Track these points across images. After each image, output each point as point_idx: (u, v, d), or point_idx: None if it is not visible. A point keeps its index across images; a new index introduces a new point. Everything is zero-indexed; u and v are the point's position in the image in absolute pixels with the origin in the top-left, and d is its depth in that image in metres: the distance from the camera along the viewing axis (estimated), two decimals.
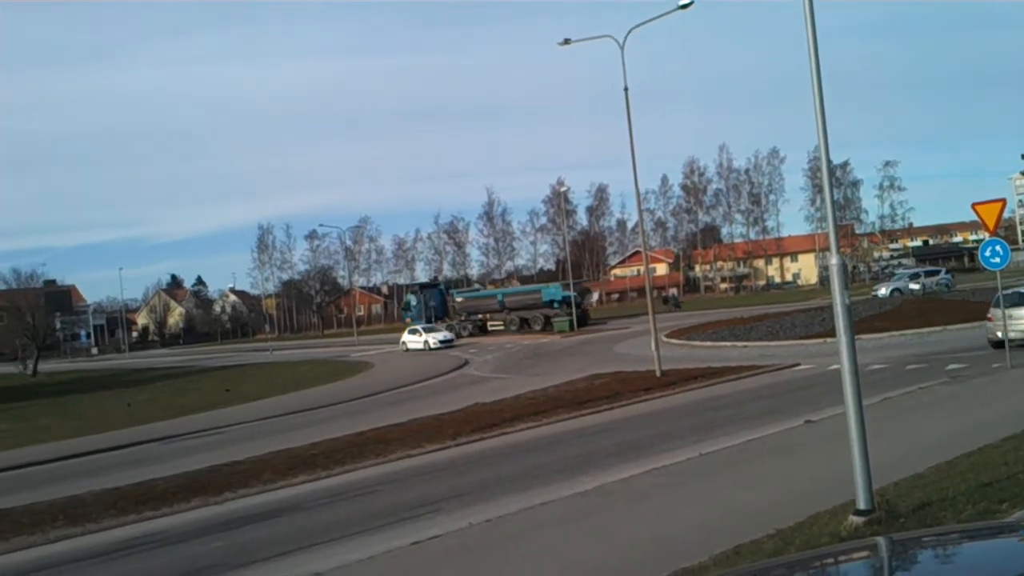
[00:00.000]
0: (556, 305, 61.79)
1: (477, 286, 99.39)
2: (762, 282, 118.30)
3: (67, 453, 24.86)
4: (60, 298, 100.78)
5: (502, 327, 63.45)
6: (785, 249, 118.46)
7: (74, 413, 36.57)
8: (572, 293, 62.19)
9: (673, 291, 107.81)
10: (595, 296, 73.92)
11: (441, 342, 55.73)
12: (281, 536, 12.72)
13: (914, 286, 54.65)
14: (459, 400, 26.21)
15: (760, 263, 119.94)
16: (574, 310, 60.43)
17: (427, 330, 58.39)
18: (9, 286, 78.28)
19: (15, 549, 13.47)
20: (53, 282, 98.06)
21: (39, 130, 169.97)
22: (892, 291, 54.81)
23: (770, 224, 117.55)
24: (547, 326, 60.28)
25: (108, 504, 15.70)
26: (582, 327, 60.05)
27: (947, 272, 61.63)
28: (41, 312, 74.05)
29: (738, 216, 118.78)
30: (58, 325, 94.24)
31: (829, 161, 9.12)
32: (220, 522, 14.02)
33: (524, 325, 62.74)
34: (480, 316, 66.03)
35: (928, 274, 59.28)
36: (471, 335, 63.91)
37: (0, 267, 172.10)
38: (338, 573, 10.22)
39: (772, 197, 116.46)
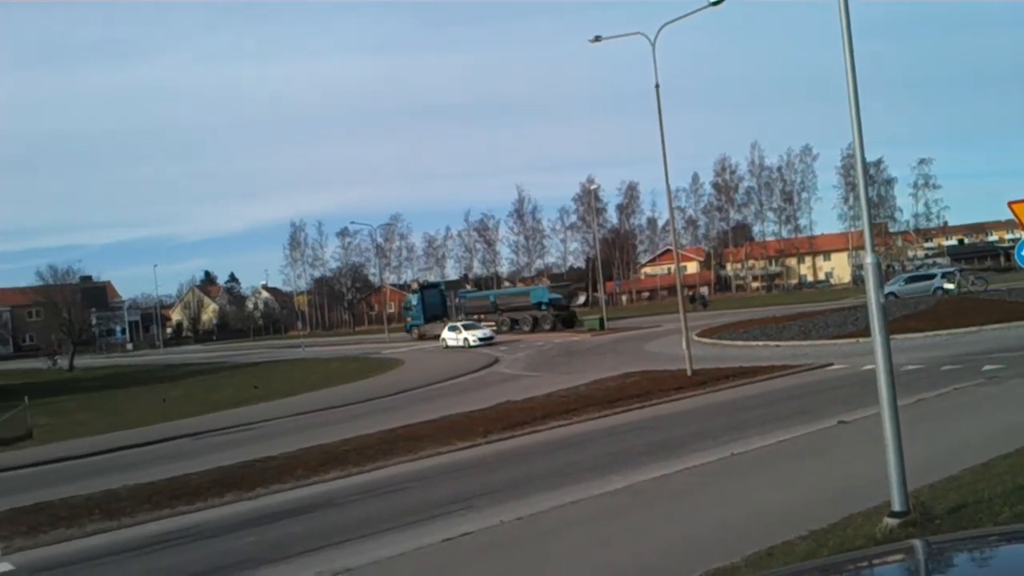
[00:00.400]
0: (543, 307, 64.04)
1: (468, 287, 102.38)
2: (794, 281, 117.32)
3: (102, 448, 25.21)
4: (96, 294, 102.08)
5: (494, 327, 64.55)
6: (818, 248, 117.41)
7: (109, 408, 37.06)
8: (559, 296, 65.56)
9: (703, 289, 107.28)
10: (582, 299, 76.55)
11: (480, 339, 55.32)
12: (313, 532, 12.82)
13: (948, 285, 53.94)
14: (489, 398, 26.25)
15: (792, 262, 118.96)
16: (540, 310, 63.66)
17: (467, 327, 58.09)
18: (46, 282, 79.49)
19: (53, 542, 13.68)
20: (89, 278, 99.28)
21: (74, 129, 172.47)
22: (888, 294, 53.88)
23: (802, 222, 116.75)
24: (535, 326, 62.72)
25: (143, 498, 15.91)
26: (568, 328, 61.58)
27: (943, 276, 59.65)
28: (77, 308, 75.14)
29: (770, 214, 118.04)
30: (94, 321, 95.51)
31: (864, 159, 9.04)
32: (253, 517, 14.15)
33: (514, 325, 64.87)
34: (476, 316, 67.28)
35: (914, 279, 58.01)
36: None
37: (37, 264, 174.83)
38: (370, 569, 10.29)
39: (804, 195, 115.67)
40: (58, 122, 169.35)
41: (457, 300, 73.49)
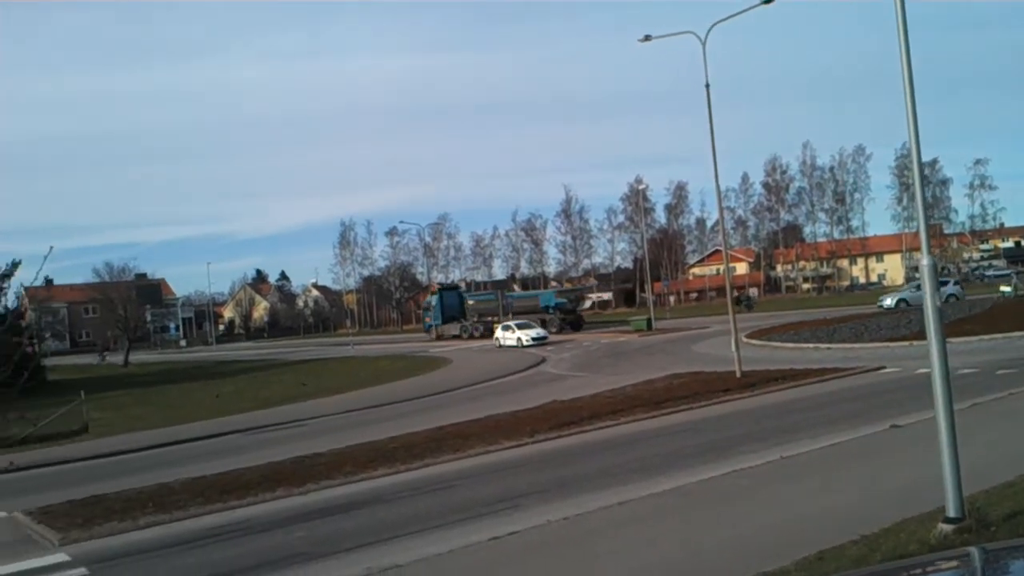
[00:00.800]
0: (551, 310, 67.01)
1: (515, 287, 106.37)
2: (846, 283, 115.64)
3: (156, 442, 25.68)
4: (151, 291, 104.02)
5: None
6: (870, 249, 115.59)
7: (163, 403, 37.74)
8: (564, 300, 68.90)
9: (752, 291, 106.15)
10: (588, 303, 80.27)
11: (534, 339, 55.00)
12: (362, 528, 12.95)
13: (1005, 288, 52.75)
14: (536, 397, 26.27)
15: (844, 263, 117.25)
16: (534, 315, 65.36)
17: (520, 327, 57.78)
18: (102, 280, 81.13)
19: (108, 534, 13.96)
20: (144, 276, 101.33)
21: (130, 128, 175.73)
22: (898, 301, 53.03)
23: (855, 223, 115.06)
24: (544, 327, 63.40)
25: (195, 492, 16.19)
26: (576, 331, 65.25)
27: (956, 283, 57.84)
28: (132, 305, 76.59)
29: (821, 215, 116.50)
30: (148, 318, 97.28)
31: (920, 159, 8.90)
32: (303, 512, 14.33)
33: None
34: (489, 318, 70.08)
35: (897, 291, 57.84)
36: (482, 336, 67.38)
37: (94, 261, 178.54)
38: (417, 566, 10.36)
39: (857, 195, 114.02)
40: (115, 122, 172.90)
41: (471, 301, 75.29)
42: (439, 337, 71.45)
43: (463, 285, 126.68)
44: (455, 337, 69.97)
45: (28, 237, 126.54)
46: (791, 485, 12.50)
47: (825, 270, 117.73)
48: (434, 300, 76.32)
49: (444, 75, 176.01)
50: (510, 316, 67.71)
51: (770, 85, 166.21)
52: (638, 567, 9.43)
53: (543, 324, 64.06)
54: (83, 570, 11.97)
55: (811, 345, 36.54)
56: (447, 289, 79.51)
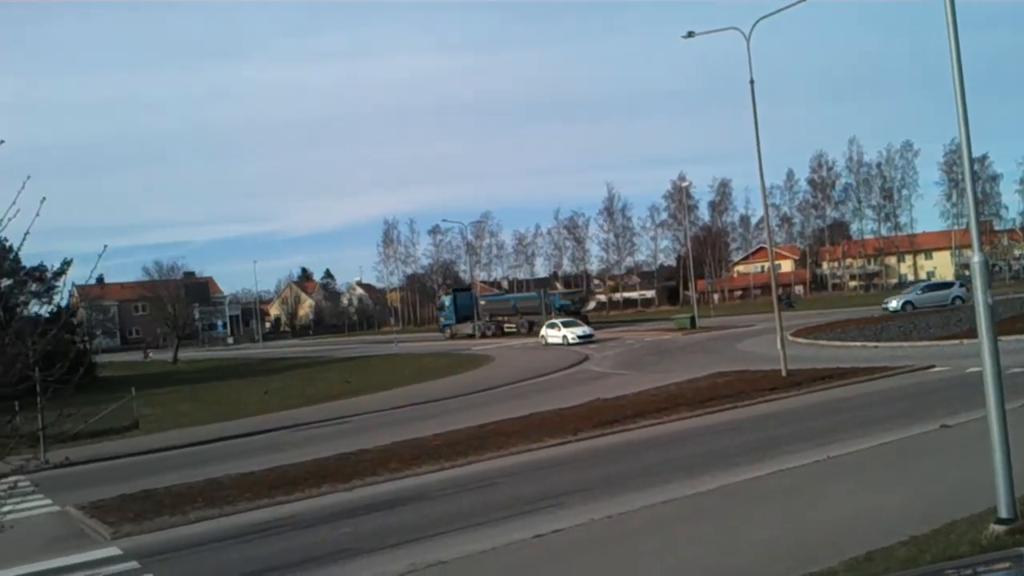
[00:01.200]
0: (557, 311, 68.62)
1: (557, 285, 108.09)
2: (893, 280, 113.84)
3: (205, 438, 26.07)
4: (199, 289, 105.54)
5: (515, 329, 71.06)
6: (919, 246, 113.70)
7: (211, 400, 38.29)
8: (568, 302, 71.22)
9: (798, 288, 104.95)
10: (592, 304, 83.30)
11: (580, 337, 54.43)
12: (406, 524, 13.04)
13: None
14: (579, 395, 26.23)
15: (892, 260, 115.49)
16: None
17: (566, 324, 57.39)
18: (152, 278, 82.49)
19: (158, 528, 14.22)
20: (192, 274, 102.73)
21: (178, 128, 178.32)
22: (904, 304, 52.12)
23: (903, 220, 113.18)
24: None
25: (243, 488, 16.42)
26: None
27: (962, 285, 55.13)
28: (181, 303, 77.81)
29: (868, 211, 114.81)
30: (197, 315, 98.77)
31: (971, 154, 8.76)
32: (348, 508, 14.47)
33: (532, 327, 68.12)
34: (500, 318, 74.02)
35: (931, 288, 56.07)
36: (494, 335, 70.93)
37: (144, 259, 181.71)
38: (461, 563, 10.42)
39: (905, 192, 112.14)
40: (162, 121, 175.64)
41: (483, 302, 79.06)
42: (453, 336, 74.34)
43: (505, 283, 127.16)
44: (468, 336, 72.38)
45: (80, 236, 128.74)
46: (838, 485, 12.36)
47: (872, 268, 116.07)
48: (448, 301, 79.72)
49: (487, 74, 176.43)
50: (519, 316, 71.38)
51: (816, 80, 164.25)
52: (681, 566, 9.39)
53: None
54: (134, 563, 12.20)
55: (858, 343, 36.07)
56: (460, 291, 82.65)
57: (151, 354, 79.75)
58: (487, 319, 74.94)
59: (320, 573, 10.80)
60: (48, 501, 16.80)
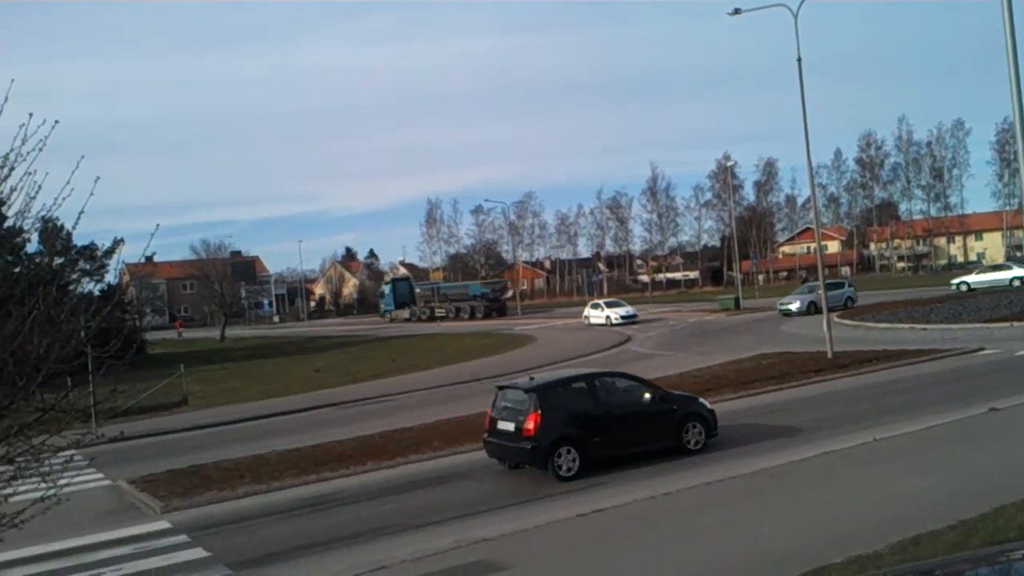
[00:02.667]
0: (478, 298, 76.67)
1: (600, 265, 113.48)
2: (943, 262, 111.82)
3: (252, 414, 26.47)
4: (245, 268, 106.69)
5: (444, 313, 77.96)
6: (969, 227, 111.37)
7: (258, 377, 38.81)
8: (487, 290, 78.36)
9: (844, 270, 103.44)
10: (510, 292, 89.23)
11: (623, 318, 53.49)
12: (450, 501, 13.17)
13: None
14: None
15: (941, 241, 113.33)
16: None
17: (609, 305, 56.61)
18: (200, 257, 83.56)
19: (207, 503, 14.51)
20: (239, 253, 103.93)
21: (227, 109, 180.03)
22: (809, 304, 44.67)
23: (952, 200, 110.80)
24: (472, 313, 75.25)
25: (290, 463, 16.67)
26: (501, 316, 74.04)
27: (850, 285, 53.04)
28: (228, 281, 78.72)
29: (918, 191, 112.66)
30: (243, 294, 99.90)
31: (1023, 134, 8.57)
32: (392, 485, 14.64)
33: (458, 312, 76.68)
34: (432, 304, 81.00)
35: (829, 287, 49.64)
36: (428, 319, 78.09)
37: (192, 239, 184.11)
38: (505, 540, 10.50)
39: (955, 171, 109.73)
40: (212, 102, 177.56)
41: (418, 290, 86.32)
42: (392, 320, 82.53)
43: (547, 263, 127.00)
44: (406, 320, 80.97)
45: (129, 215, 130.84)
46: (885, 468, 12.24)
47: (921, 248, 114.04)
48: (388, 289, 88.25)
49: (529, 55, 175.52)
50: (448, 303, 79.23)
51: (864, 58, 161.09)
52: (726, 547, 9.37)
53: (472, 310, 75.82)
54: (184, 537, 12.47)
55: (906, 325, 35.51)
56: (399, 280, 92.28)
57: (183, 333, 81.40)
58: (422, 305, 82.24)
59: (366, 548, 10.94)
60: (100, 475, 17.17)
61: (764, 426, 16.92)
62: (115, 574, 10.89)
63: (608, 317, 54.30)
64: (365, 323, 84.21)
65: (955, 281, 54.04)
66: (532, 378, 15.69)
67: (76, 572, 11.09)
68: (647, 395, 15.07)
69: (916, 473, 11.76)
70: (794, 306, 46.36)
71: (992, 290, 46.94)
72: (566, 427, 14.04)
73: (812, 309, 43.28)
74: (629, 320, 53.47)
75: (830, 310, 42.03)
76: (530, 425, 13.87)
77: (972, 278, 52.61)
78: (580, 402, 14.66)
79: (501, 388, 15.75)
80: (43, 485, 6.03)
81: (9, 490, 5.73)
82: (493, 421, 14.89)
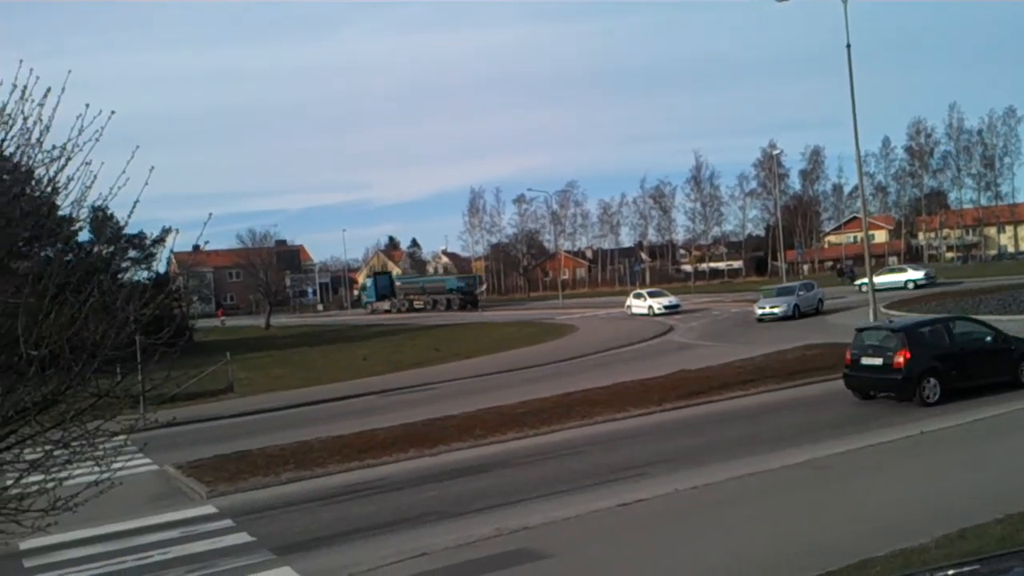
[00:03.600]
0: (454, 292, 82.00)
1: (642, 255, 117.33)
2: (993, 252, 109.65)
3: (296, 402, 26.79)
4: (290, 257, 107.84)
5: (422, 306, 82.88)
6: (1020, 216, 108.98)
7: (303, 364, 39.23)
8: (463, 284, 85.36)
9: (891, 259, 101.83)
10: (484, 287, 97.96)
11: (666, 307, 52.42)
12: (490, 490, 13.24)
13: None
14: (664, 366, 26.09)
15: (992, 231, 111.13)
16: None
17: (652, 295, 55.90)
18: (246, 246, 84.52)
19: (252, 488, 14.73)
20: (284, 242, 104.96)
21: (272, 99, 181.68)
22: (793, 308, 41.16)
23: (1004, 189, 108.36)
24: (448, 306, 79.76)
25: (333, 450, 16.86)
26: (474, 309, 78.88)
27: (857, 275, 53.48)
28: (273, 270, 79.61)
29: (968, 180, 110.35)
30: (288, 282, 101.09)
31: None
32: (434, 472, 14.74)
33: (435, 305, 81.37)
34: (411, 297, 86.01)
35: (782, 293, 44.05)
36: (408, 311, 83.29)
37: (238, 228, 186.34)
38: (546, 529, 10.54)
39: (1007, 160, 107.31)
40: (259, 93, 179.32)
41: (398, 283, 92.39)
42: (373, 311, 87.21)
43: (589, 253, 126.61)
44: (386, 312, 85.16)
45: (175, 204, 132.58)
46: (932, 461, 12.09)
47: (971, 238, 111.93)
48: (369, 283, 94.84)
49: (572, 43, 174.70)
50: (427, 296, 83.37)
51: (914, 45, 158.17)
52: (768, 539, 9.32)
53: (448, 302, 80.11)
54: (229, 522, 12.67)
55: None
56: (380, 274, 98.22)
57: (225, 321, 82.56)
58: (402, 298, 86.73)
59: (408, 534, 11.04)
60: (148, 460, 17.49)
61: (808, 418, 16.77)
62: (162, 557, 11.11)
63: (651, 307, 53.31)
64: (410, 311, 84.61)
65: (858, 282, 55.13)
66: (891, 321, 20.55)
67: (125, 555, 11.33)
68: (989, 337, 17.95)
69: (963, 466, 11.61)
70: (779, 309, 41.25)
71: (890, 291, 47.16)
72: (930, 361, 16.88)
73: (796, 312, 41.08)
74: (672, 310, 52.55)
75: (803, 315, 40.50)
76: (900, 359, 16.74)
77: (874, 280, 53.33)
78: (939, 340, 17.55)
79: (860, 330, 19.12)
80: (96, 469, 6.18)
81: (64, 474, 5.88)
82: (855, 358, 17.90)
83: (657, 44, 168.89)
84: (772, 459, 13.19)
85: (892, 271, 58.99)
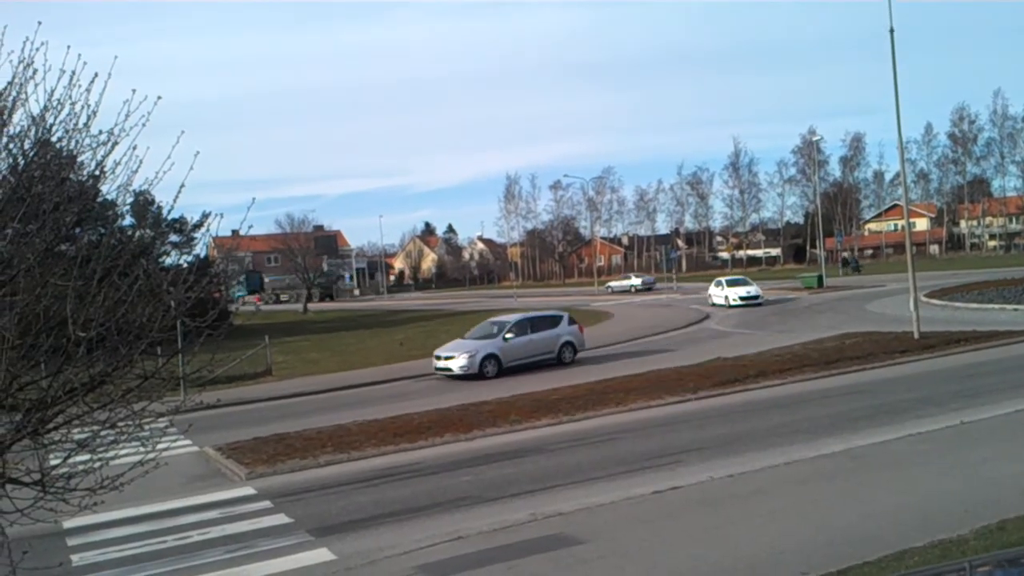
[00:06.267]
0: (314, 286, 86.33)
1: (679, 242, 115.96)
2: None
3: (333, 385, 27.01)
4: (327, 242, 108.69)
5: (287, 298, 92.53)
6: None
7: (339, 349, 39.53)
8: (323, 280, 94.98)
9: (933, 248, 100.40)
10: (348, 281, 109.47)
11: (742, 299, 45.47)
12: (525, 475, 13.29)
13: None
14: (700, 354, 25.99)
15: None
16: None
17: (731, 283, 48.73)
18: (284, 231, 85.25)
19: (290, 471, 14.91)
20: (321, 228, 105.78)
21: (309, 85, 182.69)
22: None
23: None
24: (310, 298, 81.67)
25: (370, 434, 17.01)
26: (332, 300, 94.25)
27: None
28: (311, 255, 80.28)
29: (1012, 167, 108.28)
30: (325, 267, 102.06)
31: None
32: (469, 457, 14.83)
33: (298, 298, 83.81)
34: (278, 291, 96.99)
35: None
36: (275, 302, 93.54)
37: (276, 213, 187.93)
38: (580, 515, 10.58)
39: None
40: (298, 80, 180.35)
41: (267, 279, 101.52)
42: (244, 303, 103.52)
43: (625, 240, 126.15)
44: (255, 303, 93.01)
45: (216, 189, 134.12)
46: (971, 452, 11.94)
47: (1014, 227, 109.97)
48: (243, 279, 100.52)
49: (611, 29, 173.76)
50: (292, 289, 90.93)
51: (958, 29, 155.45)
52: (803, 528, 9.29)
53: (308, 296, 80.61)
54: (267, 503, 12.85)
55: (997, 306, 34.40)
56: (251, 272, 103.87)
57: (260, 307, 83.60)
58: (270, 291, 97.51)
59: (444, 518, 11.13)
60: (188, 441, 17.72)
61: (845, 407, 16.63)
62: (202, 537, 11.29)
63: (726, 297, 46.55)
64: (445, 297, 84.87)
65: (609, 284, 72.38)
66: None
67: (166, 535, 11.53)
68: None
69: (1004, 457, 11.47)
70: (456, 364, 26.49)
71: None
72: None
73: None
74: (750, 302, 45.55)
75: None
76: None
77: (613, 283, 70.97)
78: None
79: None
80: (142, 449, 6.31)
81: (111, 454, 6.01)
82: None
83: (695, 30, 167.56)
84: (808, 448, 13.13)
85: (624, 279, 78.82)
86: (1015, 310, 32.70)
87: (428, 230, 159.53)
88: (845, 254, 75.46)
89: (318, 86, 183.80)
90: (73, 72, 5.76)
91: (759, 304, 45.37)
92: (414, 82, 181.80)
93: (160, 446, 6.56)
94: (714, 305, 47.50)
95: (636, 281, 75.91)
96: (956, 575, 3.29)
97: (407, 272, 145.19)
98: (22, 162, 5.89)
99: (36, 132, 5.90)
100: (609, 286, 78.23)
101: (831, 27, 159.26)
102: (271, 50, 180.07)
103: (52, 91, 5.80)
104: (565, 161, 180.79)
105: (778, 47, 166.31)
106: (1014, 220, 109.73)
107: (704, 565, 8.55)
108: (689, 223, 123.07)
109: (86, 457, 5.99)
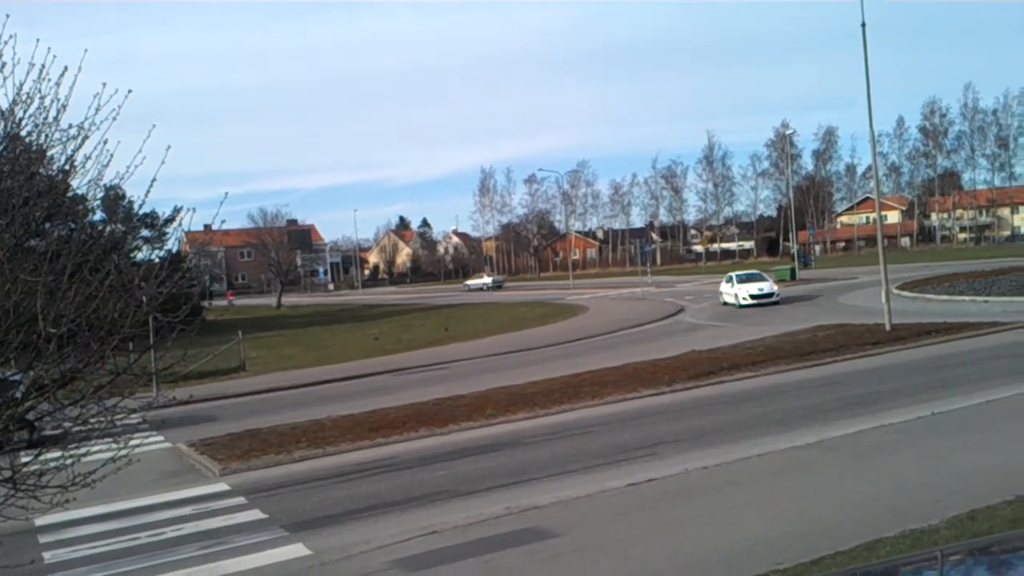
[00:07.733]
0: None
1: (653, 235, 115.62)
2: (1006, 233, 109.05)
3: (308, 380, 26.93)
4: (301, 237, 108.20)
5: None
6: None
7: (314, 344, 39.42)
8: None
9: (904, 240, 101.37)
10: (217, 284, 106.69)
11: (753, 297, 40.45)
12: (501, 469, 13.30)
13: None
14: (674, 347, 26.10)
15: (1005, 212, 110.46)
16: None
17: (741, 279, 42.80)
18: (257, 225, 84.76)
19: (264, 466, 14.85)
20: (295, 222, 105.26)
21: (283, 79, 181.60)
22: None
23: (1018, 170, 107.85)
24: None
25: (345, 429, 16.96)
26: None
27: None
28: (284, 249, 79.88)
29: (982, 161, 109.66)
30: (299, 262, 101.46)
31: None
32: (444, 452, 14.83)
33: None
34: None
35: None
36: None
37: (250, 207, 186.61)
38: (556, 508, 10.61)
39: (1022, 140, 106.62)
40: (270, 74, 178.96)
41: None
42: None
43: (600, 233, 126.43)
44: None
45: (187, 184, 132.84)
46: (943, 442, 12.08)
47: (984, 219, 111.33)
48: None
49: (583, 24, 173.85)
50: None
51: (930, 24, 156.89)
52: (777, 519, 9.36)
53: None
54: (242, 499, 12.79)
55: (967, 298, 34.77)
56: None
57: (233, 303, 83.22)
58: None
59: (419, 513, 11.12)
60: (160, 437, 17.63)
61: (818, 399, 16.77)
62: (176, 533, 11.22)
63: (736, 295, 41.42)
64: (421, 291, 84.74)
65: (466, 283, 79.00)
66: None
67: (139, 531, 11.44)
68: None
69: (974, 447, 11.61)
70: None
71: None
72: None
73: None
74: (763, 300, 40.42)
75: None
76: None
77: (470, 281, 77.30)
78: None
79: None
80: (114, 446, 6.26)
81: (83, 450, 5.96)
82: None
83: (669, 23, 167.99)
84: (782, 440, 13.23)
85: (478, 278, 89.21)
86: (985, 302, 33.08)
87: (403, 224, 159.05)
88: (793, 250, 75.68)
89: (294, 81, 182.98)
90: (43, 66, 5.69)
91: (775, 303, 39.89)
92: (389, 77, 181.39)
93: (132, 442, 6.51)
94: (725, 304, 42.23)
95: (487, 280, 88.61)
96: (928, 564, 3.32)
97: (382, 266, 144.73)
98: None
99: (5, 126, 5.83)
100: (467, 284, 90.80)
101: (804, 22, 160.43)
102: (245, 45, 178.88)
103: (21, 85, 5.73)
104: (540, 155, 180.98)
105: (751, 41, 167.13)
106: (984, 213, 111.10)
107: (680, 557, 8.60)
108: (664, 216, 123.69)
109: (57, 454, 5.93)
